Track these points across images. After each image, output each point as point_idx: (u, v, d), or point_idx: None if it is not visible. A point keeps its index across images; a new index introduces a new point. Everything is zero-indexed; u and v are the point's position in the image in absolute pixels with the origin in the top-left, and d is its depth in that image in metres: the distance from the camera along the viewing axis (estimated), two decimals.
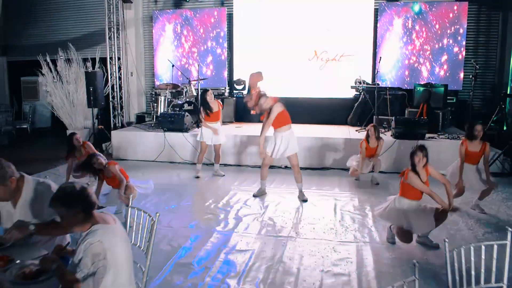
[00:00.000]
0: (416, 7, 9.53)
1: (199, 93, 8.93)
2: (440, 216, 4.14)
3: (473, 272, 2.14)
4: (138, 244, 2.62)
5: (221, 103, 7.16)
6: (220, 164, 7.25)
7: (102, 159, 4.88)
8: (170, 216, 5.17)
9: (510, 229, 2.19)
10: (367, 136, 6.43)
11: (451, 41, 9.49)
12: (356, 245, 4.34)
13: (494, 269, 2.17)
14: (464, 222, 4.99)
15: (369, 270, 3.77)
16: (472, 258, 2.17)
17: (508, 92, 9.06)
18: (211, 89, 7.11)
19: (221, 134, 6.98)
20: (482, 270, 2.10)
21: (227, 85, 10.64)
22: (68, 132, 8.73)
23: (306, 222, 5.01)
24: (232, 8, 10.41)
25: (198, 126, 8.38)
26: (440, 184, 4.26)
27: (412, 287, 1.88)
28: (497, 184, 5.32)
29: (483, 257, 2.08)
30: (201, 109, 6.87)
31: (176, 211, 5.41)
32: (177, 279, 3.62)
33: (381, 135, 6.65)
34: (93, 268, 2.04)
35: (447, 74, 9.56)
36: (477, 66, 8.08)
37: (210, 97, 6.83)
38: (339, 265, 3.87)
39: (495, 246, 2.17)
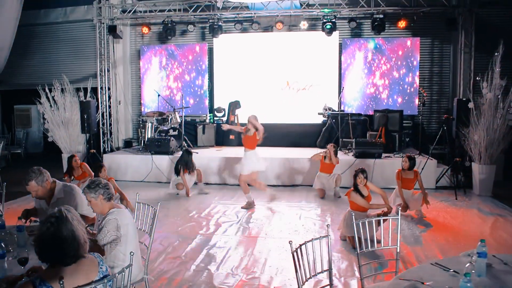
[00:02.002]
0: (371, 45, 10.81)
1: (183, 120, 9.94)
2: None
3: (375, 238, 3.12)
4: (143, 229, 3.55)
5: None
6: (203, 183, 8.16)
7: (106, 172, 6.17)
8: (159, 224, 6.03)
9: (399, 207, 3.21)
10: (325, 154, 7.50)
11: (406, 72, 10.76)
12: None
13: (390, 235, 3.16)
14: (406, 224, 6.00)
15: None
16: (374, 229, 3.16)
17: None
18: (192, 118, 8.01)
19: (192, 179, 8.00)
20: (382, 236, 3.09)
21: (208, 113, 11.66)
22: (64, 155, 9.53)
23: (275, 226, 5.98)
24: (213, 43, 11.54)
25: (182, 150, 9.32)
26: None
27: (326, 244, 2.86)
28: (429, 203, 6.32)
29: (381, 227, 3.07)
30: (181, 166, 7.78)
31: (165, 220, 6.29)
32: (168, 268, 4.53)
33: (338, 155, 7.67)
34: (110, 237, 2.96)
35: (404, 100, 10.79)
36: (424, 94, 9.27)
37: (191, 157, 7.91)
38: None
39: (390, 220, 3.18)
